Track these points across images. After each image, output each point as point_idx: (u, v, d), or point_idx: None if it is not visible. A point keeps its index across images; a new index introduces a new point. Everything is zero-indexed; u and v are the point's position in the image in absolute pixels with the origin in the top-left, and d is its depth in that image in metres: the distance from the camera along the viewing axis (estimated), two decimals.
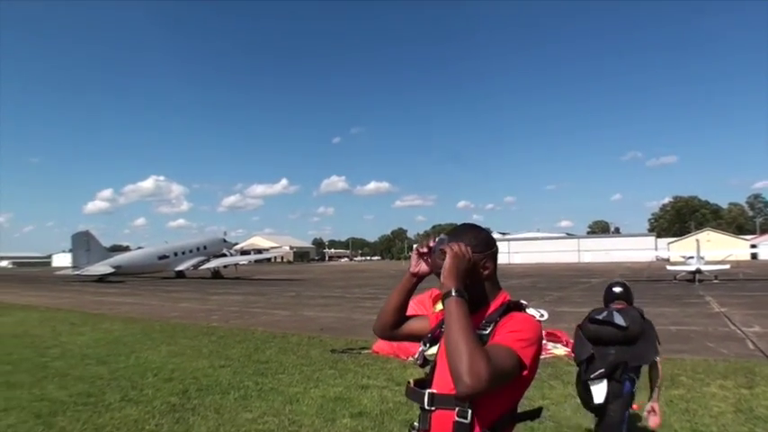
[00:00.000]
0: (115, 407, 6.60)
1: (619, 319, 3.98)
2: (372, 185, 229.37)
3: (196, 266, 48.71)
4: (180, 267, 48.42)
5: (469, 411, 1.73)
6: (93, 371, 8.76)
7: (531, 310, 1.84)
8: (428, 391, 1.87)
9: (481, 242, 1.94)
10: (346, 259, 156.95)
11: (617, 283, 4.52)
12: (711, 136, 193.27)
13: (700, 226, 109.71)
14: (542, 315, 1.78)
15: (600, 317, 4.10)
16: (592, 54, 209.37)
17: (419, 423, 1.93)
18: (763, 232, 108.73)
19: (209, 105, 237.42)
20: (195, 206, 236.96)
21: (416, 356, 2.07)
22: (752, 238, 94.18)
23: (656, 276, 35.40)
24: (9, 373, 8.56)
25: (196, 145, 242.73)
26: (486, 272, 1.93)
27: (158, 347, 10.89)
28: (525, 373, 1.73)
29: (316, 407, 6.57)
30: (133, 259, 47.80)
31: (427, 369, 2.06)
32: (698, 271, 29.78)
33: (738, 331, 12.18)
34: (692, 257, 32.06)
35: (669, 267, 34.05)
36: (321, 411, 6.36)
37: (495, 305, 1.91)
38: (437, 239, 1.96)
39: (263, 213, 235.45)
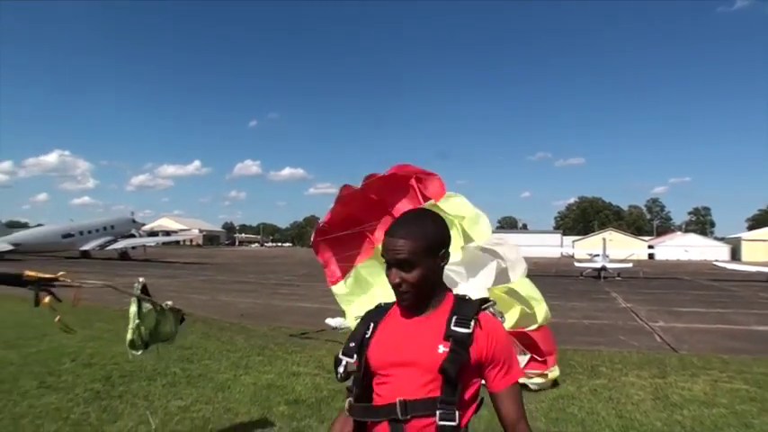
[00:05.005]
0: (33, 394, 6.14)
1: None
2: (287, 171, 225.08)
3: (103, 246, 46.32)
4: (85, 247, 45.90)
5: (457, 413, 1.65)
6: (1, 355, 8.08)
7: (492, 310, 1.78)
8: (399, 399, 1.69)
9: (445, 230, 1.81)
10: (257, 245, 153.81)
11: None
12: (617, 141, 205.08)
13: (602, 226, 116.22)
14: (503, 318, 1.82)
15: None
16: (506, 59, 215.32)
17: None
18: (659, 234, 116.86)
19: (120, 79, 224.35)
20: (102, 184, 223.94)
21: (341, 371, 1.87)
22: (649, 240, 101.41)
23: (563, 272, 37.05)
24: None
25: (105, 120, 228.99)
26: (443, 263, 1.80)
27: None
28: None
29: (249, 394, 6.43)
30: (35, 237, 44.42)
31: (349, 383, 1.90)
32: (603, 268, 31.40)
33: (646, 325, 13.02)
34: (597, 255, 33.89)
35: (577, 264, 35.79)
36: (255, 399, 6.24)
37: (448, 300, 1.80)
38: None
39: (172, 194, 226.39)
